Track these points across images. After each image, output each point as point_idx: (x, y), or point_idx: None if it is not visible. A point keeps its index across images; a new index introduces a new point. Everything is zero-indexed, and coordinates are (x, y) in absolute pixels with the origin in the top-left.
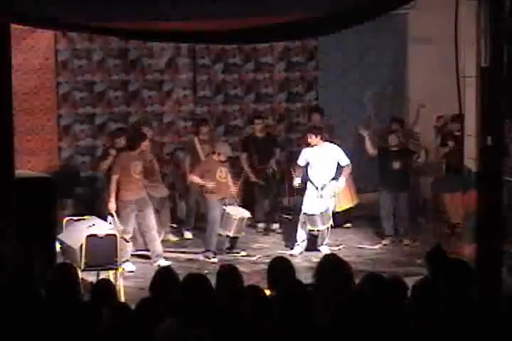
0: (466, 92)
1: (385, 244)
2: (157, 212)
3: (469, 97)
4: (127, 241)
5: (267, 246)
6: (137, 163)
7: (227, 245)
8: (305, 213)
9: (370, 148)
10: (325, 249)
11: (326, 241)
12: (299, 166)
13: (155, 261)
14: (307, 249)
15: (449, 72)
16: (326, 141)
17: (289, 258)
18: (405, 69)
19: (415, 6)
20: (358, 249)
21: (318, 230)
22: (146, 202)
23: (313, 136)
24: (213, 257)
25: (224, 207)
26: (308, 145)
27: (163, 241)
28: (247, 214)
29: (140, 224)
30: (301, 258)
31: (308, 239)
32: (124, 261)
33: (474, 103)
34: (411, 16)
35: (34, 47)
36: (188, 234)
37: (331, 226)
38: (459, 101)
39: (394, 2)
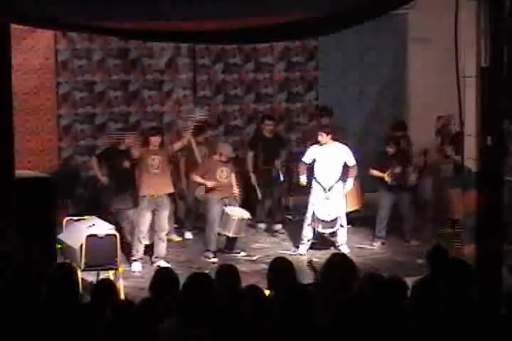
0: (466, 92)
1: (374, 246)
2: None
3: (469, 97)
4: (140, 242)
5: (267, 246)
6: (154, 158)
7: (227, 245)
8: (315, 215)
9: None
10: (345, 249)
11: (345, 240)
12: (304, 163)
13: (154, 262)
14: (310, 248)
15: (449, 72)
16: (336, 140)
17: (290, 257)
18: (405, 69)
19: (415, 6)
20: (358, 249)
21: (329, 232)
22: (163, 201)
23: (324, 135)
24: (213, 257)
25: (224, 207)
26: (316, 143)
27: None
28: (246, 214)
29: (153, 222)
30: (302, 258)
31: (315, 238)
32: (134, 260)
33: (474, 103)
34: (411, 16)
35: (34, 47)
36: (188, 235)
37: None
38: (459, 101)
39: (394, 2)
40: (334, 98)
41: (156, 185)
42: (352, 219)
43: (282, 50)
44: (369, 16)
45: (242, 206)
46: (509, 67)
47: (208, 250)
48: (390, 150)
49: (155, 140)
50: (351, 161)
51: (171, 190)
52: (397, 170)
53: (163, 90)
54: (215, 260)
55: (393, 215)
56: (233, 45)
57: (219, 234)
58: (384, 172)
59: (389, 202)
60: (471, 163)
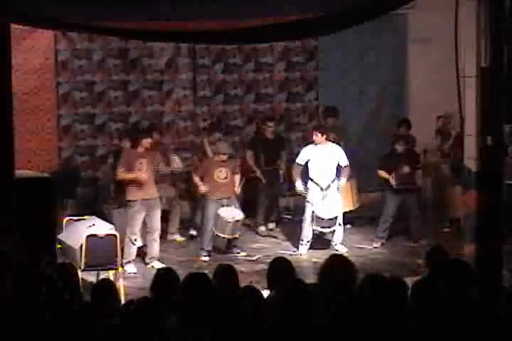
0: (466, 92)
1: (376, 247)
2: (166, 212)
3: (469, 97)
4: (133, 244)
5: (267, 246)
6: (142, 161)
7: (228, 245)
8: (314, 214)
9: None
10: (341, 248)
11: (341, 239)
12: (298, 165)
13: (149, 263)
14: (310, 248)
15: (449, 72)
16: (333, 142)
17: (290, 257)
18: (405, 69)
19: (415, 6)
20: (358, 249)
21: (328, 232)
22: (156, 203)
23: (319, 135)
24: (205, 256)
25: (219, 208)
26: (310, 143)
27: (169, 242)
28: (239, 215)
29: (145, 224)
30: (302, 258)
31: (314, 238)
32: (128, 262)
33: (474, 103)
34: (411, 16)
35: (34, 47)
36: (193, 231)
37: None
38: (459, 101)
39: (394, 2)
40: (334, 98)
41: (144, 188)
42: (352, 219)
43: (282, 50)
44: (369, 16)
45: (243, 207)
46: (509, 67)
47: (202, 248)
48: (399, 148)
49: (146, 142)
50: (344, 161)
51: (157, 193)
52: (405, 170)
53: (163, 90)
54: (206, 259)
55: (396, 216)
56: (233, 45)
57: (216, 235)
58: (390, 173)
59: (395, 203)
60: (471, 163)
